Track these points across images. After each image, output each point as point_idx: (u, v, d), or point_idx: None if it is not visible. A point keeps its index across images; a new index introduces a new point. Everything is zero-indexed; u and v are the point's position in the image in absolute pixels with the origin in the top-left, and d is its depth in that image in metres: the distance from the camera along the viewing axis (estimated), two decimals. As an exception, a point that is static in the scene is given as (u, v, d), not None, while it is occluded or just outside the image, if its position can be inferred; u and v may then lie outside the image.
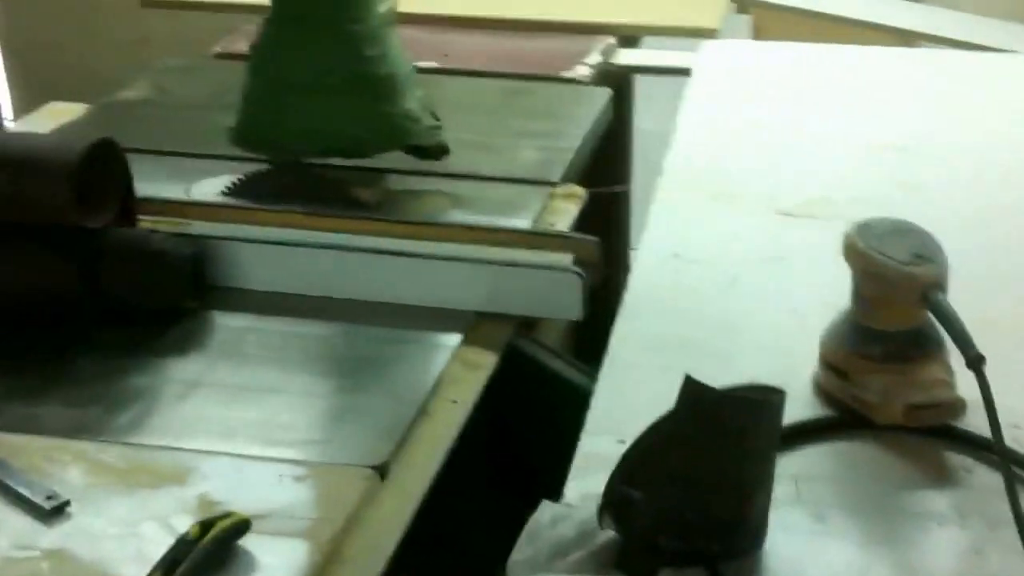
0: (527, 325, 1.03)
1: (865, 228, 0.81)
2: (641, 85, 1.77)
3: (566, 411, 0.85)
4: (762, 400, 0.67)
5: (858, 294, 0.81)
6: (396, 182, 1.21)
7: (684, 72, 1.48)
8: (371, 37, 1.15)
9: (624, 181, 1.66)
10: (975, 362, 0.72)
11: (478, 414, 0.90)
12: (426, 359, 0.93)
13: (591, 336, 0.94)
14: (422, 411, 0.86)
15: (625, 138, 1.70)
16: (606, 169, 1.52)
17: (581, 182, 1.26)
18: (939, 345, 0.78)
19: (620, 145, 1.66)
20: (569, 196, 1.19)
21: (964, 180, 1.19)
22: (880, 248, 0.78)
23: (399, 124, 1.16)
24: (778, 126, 1.31)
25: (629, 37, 1.68)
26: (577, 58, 1.54)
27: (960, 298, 0.78)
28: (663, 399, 0.67)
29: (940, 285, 0.76)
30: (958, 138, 1.29)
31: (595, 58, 1.55)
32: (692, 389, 0.65)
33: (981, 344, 0.74)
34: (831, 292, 0.83)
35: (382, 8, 1.16)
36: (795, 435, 0.78)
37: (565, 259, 0.99)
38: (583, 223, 1.19)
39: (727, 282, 1.00)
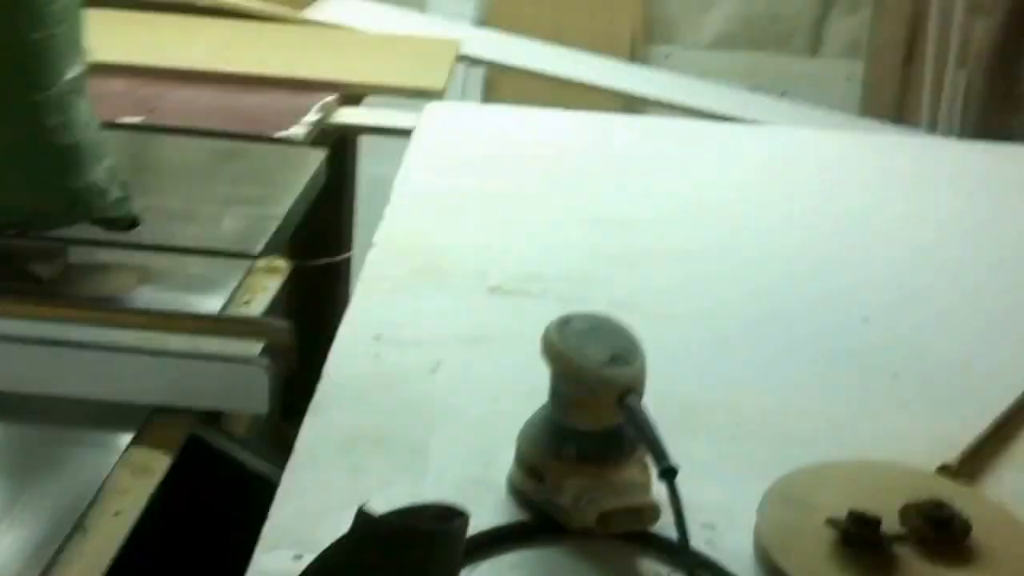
0: (215, 415, 0.95)
1: (564, 325, 0.77)
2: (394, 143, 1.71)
3: (257, 515, 0.77)
4: (440, 530, 0.62)
5: (556, 392, 0.77)
6: (82, 255, 1.10)
7: (408, 133, 1.44)
8: (54, 106, 1.04)
9: (344, 250, 1.60)
10: (666, 474, 0.69)
11: (152, 523, 0.82)
12: (89, 464, 0.83)
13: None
14: (78, 526, 0.77)
15: (346, 203, 1.64)
16: (324, 237, 1.46)
17: (292, 253, 1.19)
18: (637, 446, 0.75)
19: (340, 211, 1.60)
20: (271, 270, 1.11)
21: (680, 253, 1.18)
22: (578, 348, 0.75)
23: (82, 197, 1.06)
24: (495, 195, 1.28)
25: (353, 95, 1.63)
26: (294, 116, 1.47)
27: (670, 381, 0.77)
28: (350, 505, 0.62)
29: (636, 389, 0.73)
30: (678, 210, 1.28)
31: (313, 116, 1.48)
32: (365, 520, 0.60)
33: (688, 432, 0.72)
34: (538, 377, 0.79)
35: (69, 74, 1.06)
36: (485, 545, 0.73)
37: (254, 347, 0.91)
38: (296, 299, 1.12)
39: (430, 367, 0.95)
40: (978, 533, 0.73)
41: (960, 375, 0.97)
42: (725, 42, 3.14)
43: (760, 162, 1.46)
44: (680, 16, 3.11)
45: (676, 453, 0.71)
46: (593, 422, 0.75)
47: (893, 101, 3.19)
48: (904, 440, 0.86)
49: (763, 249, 1.21)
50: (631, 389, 0.73)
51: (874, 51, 3.15)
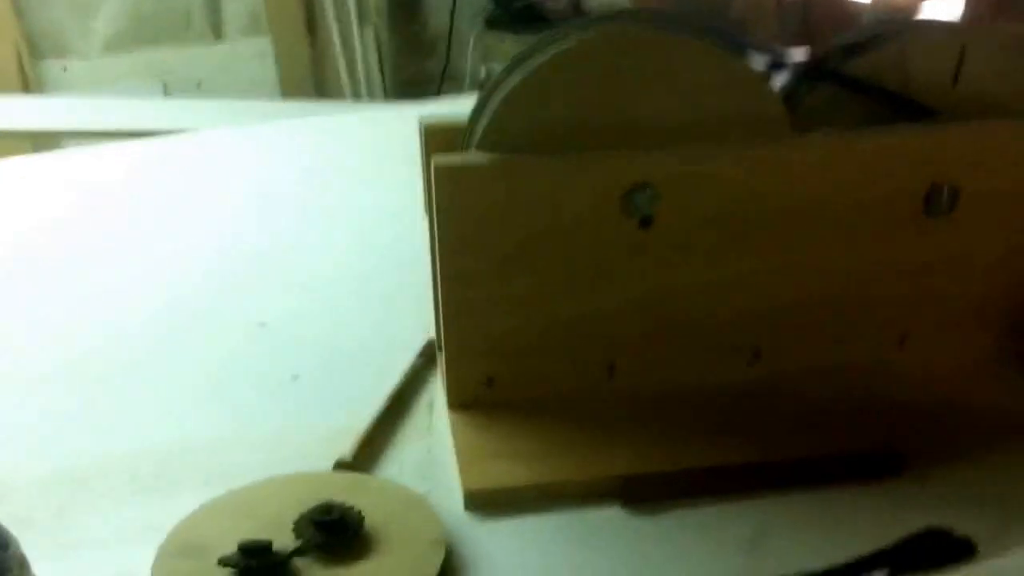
0: None
1: None
2: None
3: None
4: None
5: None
6: None
7: None
8: None
9: None
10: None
11: None
12: None
13: None
14: None
15: None
16: None
17: None
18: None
19: None
20: None
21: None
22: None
23: None
24: None
25: None
26: None
27: (58, 455, 0.76)
28: None
29: None
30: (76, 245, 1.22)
31: None
32: None
33: (80, 509, 0.72)
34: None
35: None
36: None
37: None
38: None
39: None
40: (373, 520, 0.75)
41: (357, 365, 0.98)
42: (123, 43, 3.04)
43: (167, 177, 1.42)
44: (65, 25, 2.96)
45: (63, 540, 0.67)
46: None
47: (310, 70, 3.24)
48: (308, 444, 0.86)
49: (159, 269, 1.17)
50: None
51: (276, 24, 3.18)
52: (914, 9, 2.27)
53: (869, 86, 0.85)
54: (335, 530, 0.74)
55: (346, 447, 0.84)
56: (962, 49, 0.85)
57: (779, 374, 0.89)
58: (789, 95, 0.87)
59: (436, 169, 0.80)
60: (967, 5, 2.73)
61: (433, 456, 0.84)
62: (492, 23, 3.22)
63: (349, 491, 0.78)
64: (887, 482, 0.79)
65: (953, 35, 0.86)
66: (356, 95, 3.28)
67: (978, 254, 0.90)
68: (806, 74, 0.86)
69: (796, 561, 0.69)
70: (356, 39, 3.30)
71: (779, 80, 0.87)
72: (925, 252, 0.88)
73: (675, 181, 0.82)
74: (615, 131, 0.81)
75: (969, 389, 0.89)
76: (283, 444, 0.87)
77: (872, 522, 0.74)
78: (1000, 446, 0.83)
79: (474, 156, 0.81)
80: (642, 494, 0.78)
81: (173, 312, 1.09)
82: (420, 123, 0.86)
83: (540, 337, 0.86)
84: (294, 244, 1.23)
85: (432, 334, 0.97)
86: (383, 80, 3.40)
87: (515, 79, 0.80)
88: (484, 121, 0.81)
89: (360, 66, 3.32)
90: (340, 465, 0.83)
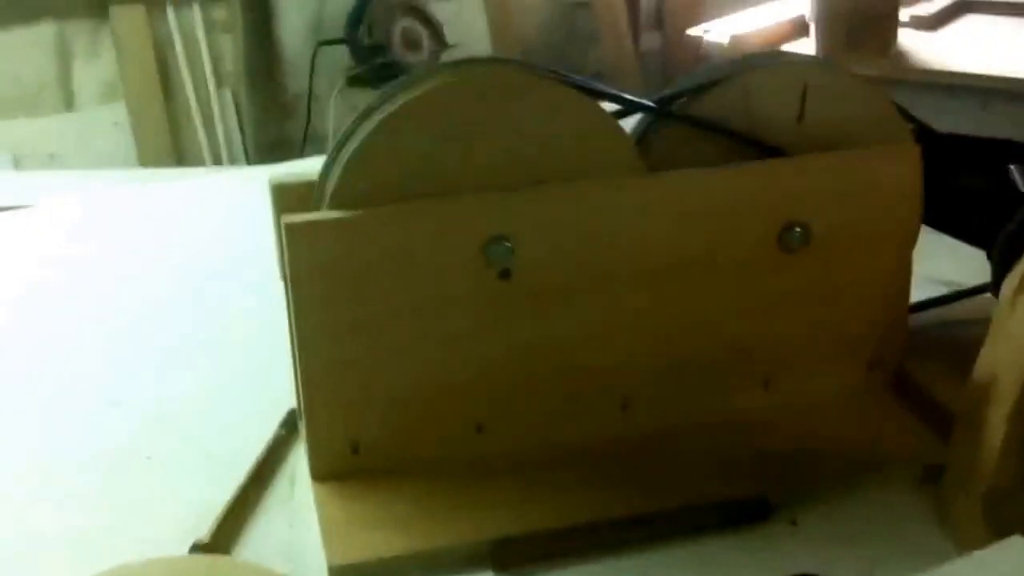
0: None
1: None
2: None
3: None
4: None
5: None
6: None
7: None
8: None
9: None
10: None
11: None
12: None
13: None
14: None
15: None
16: None
17: None
18: None
19: None
20: None
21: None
22: None
23: None
24: None
25: None
26: None
27: None
28: None
29: None
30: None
31: None
32: None
33: None
34: None
35: None
36: None
37: None
38: None
39: None
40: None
41: (215, 441, 0.93)
42: (-29, 117, 2.95)
43: (10, 252, 1.36)
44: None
45: None
46: None
47: (168, 137, 3.17)
48: (163, 527, 0.81)
49: (2, 349, 1.11)
50: None
51: (131, 91, 3.11)
52: (768, 50, 2.32)
53: (715, 126, 0.85)
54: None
55: (203, 528, 0.80)
56: (804, 88, 0.86)
57: (649, 425, 0.88)
58: (641, 138, 0.86)
59: (286, 228, 0.77)
60: (818, 44, 2.80)
61: (296, 532, 0.80)
62: (353, 81, 3.21)
63: (211, 572, 0.74)
64: (759, 529, 0.78)
65: (794, 74, 0.86)
66: (217, 161, 3.22)
67: (835, 288, 0.90)
68: (656, 116, 0.86)
69: (673, 616, 0.67)
70: (214, 103, 3.25)
71: (631, 124, 0.87)
72: (783, 289, 0.88)
73: (531, 229, 0.81)
74: (468, 180, 0.80)
75: (836, 426, 0.89)
76: (137, 528, 0.82)
77: (746, 571, 0.72)
78: (867, 482, 0.82)
79: (324, 213, 0.78)
80: (514, 557, 0.76)
81: (18, 395, 1.03)
82: (270, 182, 0.83)
83: (404, 398, 0.83)
84: (147, 315, 1.18)
85: (294, 403, 0.93)
86: (244, 144, 3.34)
87: (364, 131, 0.78)
88: (335, 177, 0.79)
89: (220, 131, 3.27)
90: (197, 547, 0.79)
